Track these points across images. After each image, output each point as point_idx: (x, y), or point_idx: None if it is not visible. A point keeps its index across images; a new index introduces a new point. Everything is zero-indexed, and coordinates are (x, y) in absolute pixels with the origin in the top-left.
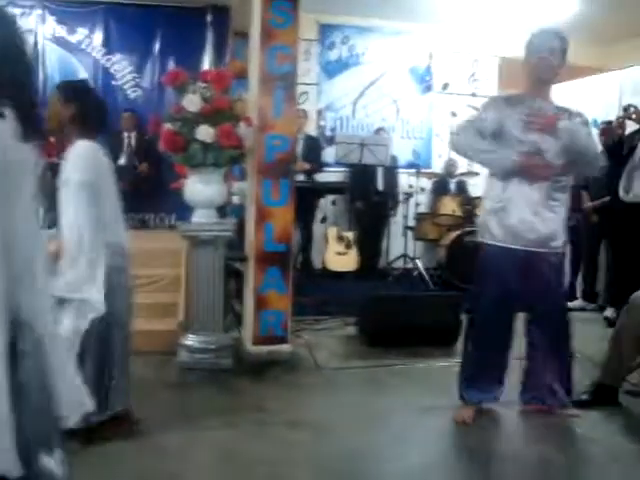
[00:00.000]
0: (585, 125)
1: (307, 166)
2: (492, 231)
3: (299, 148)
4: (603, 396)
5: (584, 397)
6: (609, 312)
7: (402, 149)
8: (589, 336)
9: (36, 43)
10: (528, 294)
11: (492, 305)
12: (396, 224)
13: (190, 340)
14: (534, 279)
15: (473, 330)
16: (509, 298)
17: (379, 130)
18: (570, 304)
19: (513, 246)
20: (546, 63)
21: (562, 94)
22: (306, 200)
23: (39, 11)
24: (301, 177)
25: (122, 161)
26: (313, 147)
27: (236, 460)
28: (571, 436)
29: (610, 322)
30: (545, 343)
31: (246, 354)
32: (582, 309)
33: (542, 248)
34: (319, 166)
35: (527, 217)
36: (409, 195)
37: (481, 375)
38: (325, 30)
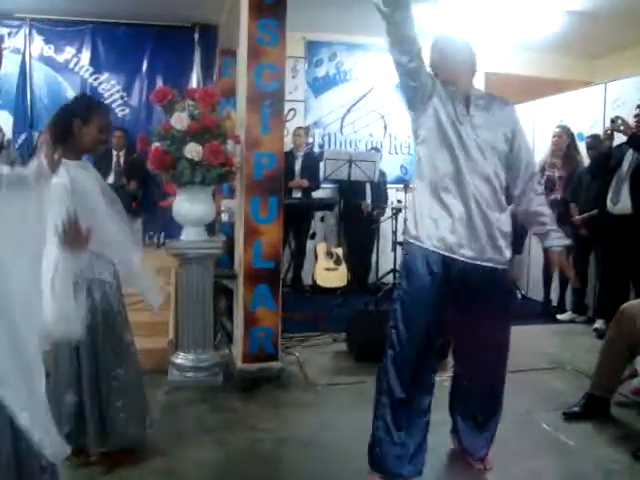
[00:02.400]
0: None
1: (305, 183)
2: None
3: (297, 165)
4: (594, 408)
5: (575, 409)
6: (599, 324)
7: (390, 164)
8: (579, 348)
9: (23, 62)
10: None
11: None
12: (385, 239)
13: (180, 358)
14: None
15: None
16: None
17: (372, 149)
18: (560, 316)
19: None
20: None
21: (548, 108)
22: (298, 217)
23: (26, 30)
24: (298, 194)
25: (111, 179)
26: (312, 164)
27: (227, 479)
28: (562, 449)
29: (600, 334)
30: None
31: (236, 372)
32: (572, 321)
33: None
34: (317, 183)
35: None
36: (398, 210)
37: None
38: (312, 47)
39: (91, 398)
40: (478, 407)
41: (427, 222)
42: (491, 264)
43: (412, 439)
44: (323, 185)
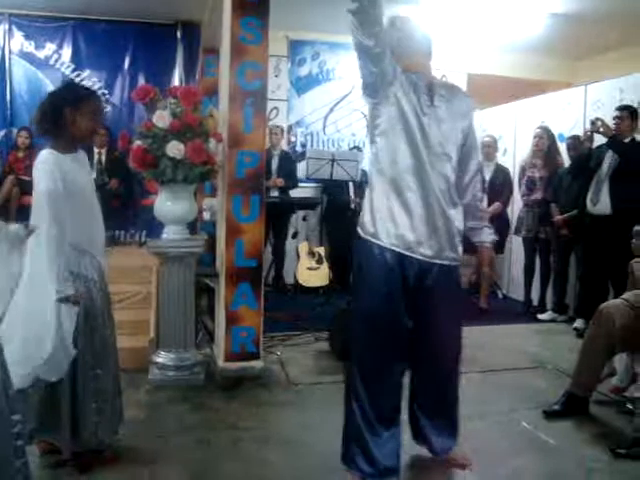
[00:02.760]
0: None
1: (281, 182)
2: None
3: (274, 164)
4: (574, 406)
5: (556, 407)
6: (579, 323)
7: None
8: (560, 347)
9: (3, 58)
10: None
11: None
12: None
13: (161, 357)
14: None
15: None
16: None
17: (354, 149)
18: (540, 316)
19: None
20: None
21: (529, 109)
22: (279, 215)
23: (6, 26)
24: (275, 193)
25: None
26: (288, 163)
27: (209, 479)
28: (542, 447)
29: (580, 333)
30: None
31: (218, 371)
32: (553, 321)
33: None
34: (293, 182)
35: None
36: None
37: None
38: (295, 46)
39: (67, 396)
40: (437, 405)
41: (386, 219)
42: (447, 262)
43: (381, 439)
44: (306, 184)
